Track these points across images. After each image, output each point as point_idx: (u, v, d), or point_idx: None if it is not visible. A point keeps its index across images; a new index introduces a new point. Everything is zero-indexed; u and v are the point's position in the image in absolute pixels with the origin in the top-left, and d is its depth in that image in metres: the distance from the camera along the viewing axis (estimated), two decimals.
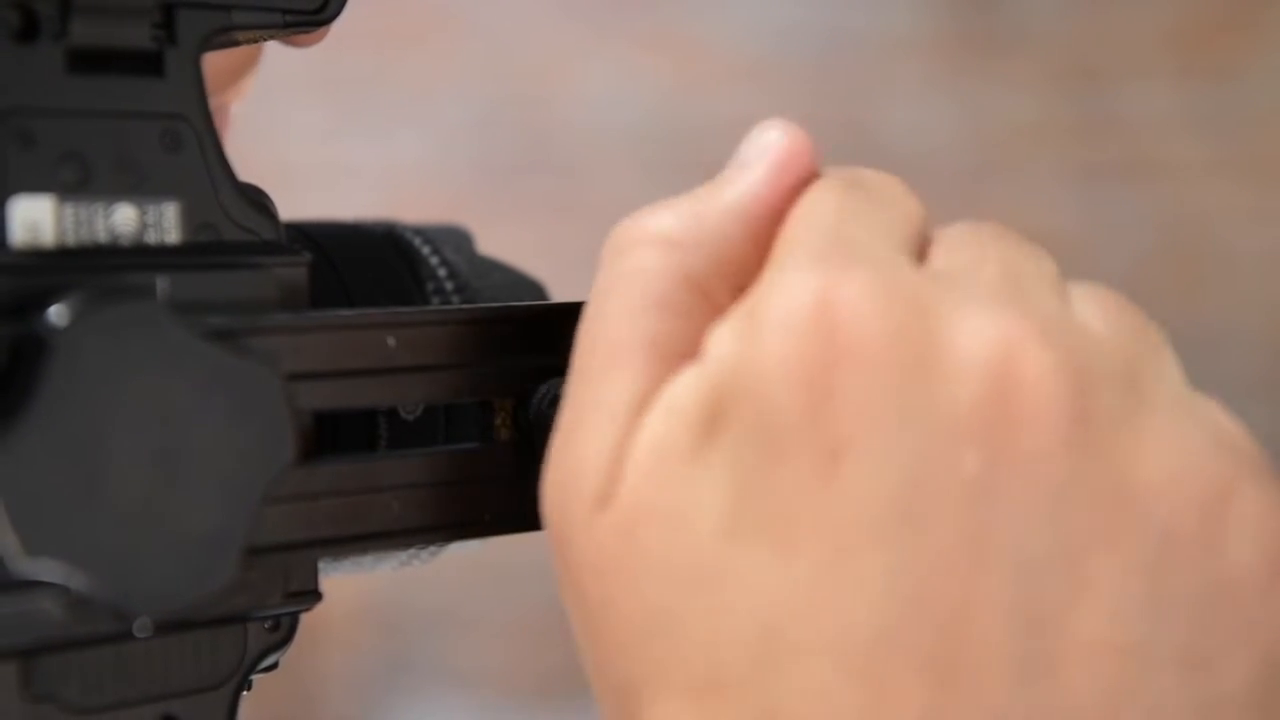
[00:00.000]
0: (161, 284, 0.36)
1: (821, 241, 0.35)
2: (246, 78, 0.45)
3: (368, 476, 0.39)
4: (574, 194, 1.84)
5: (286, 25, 0.39)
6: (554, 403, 0.41)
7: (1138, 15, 1.80)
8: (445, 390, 0.40)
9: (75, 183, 0.36)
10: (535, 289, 0.49)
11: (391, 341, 0.39)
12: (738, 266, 0.36)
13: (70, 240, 0.36)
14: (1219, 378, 1.97)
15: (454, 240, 0.49)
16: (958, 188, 1.81)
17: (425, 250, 0.47)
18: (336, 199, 1.86)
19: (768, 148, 0.38)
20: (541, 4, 1.88)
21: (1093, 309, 0.36)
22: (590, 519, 0.35)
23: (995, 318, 0.33)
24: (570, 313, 0.42)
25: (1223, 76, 1.80)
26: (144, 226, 0.37)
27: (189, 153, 0.38)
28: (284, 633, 0.39)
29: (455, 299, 0.46)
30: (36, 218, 0.36)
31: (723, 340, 0.34)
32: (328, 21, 0.40)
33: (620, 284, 0.37)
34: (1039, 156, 1.81)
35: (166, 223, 0.38)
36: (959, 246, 0.36)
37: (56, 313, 0.34)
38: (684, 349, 0.35)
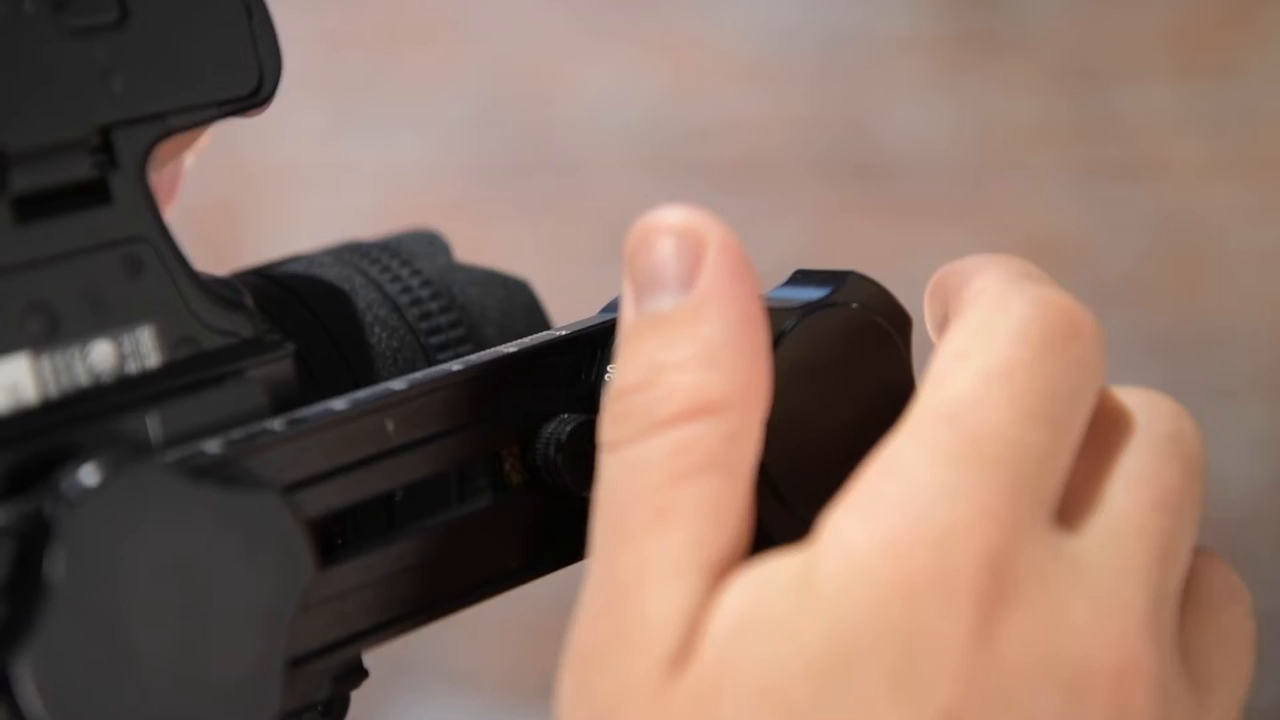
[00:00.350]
0: (153, 427, 0.36)
1: (985, 460, 0.34)
2: (203, 136, 0.45)
3: (391, 560, 0.39)
4: (574, 194, 1.84)
5: (225, 115, 0.39)
6: (560, 448, 0.41)
7: (1138, 15, 1.80)
8: (452, 456, 0.40)
9: (45, 333, 0.36)
10: (521, 290, 0.48)
11: (390, 425, 0.39)
12: (759, 394, 0.35)
13: (53, 392, 0.36)
14: (1219, 378, 1.96)
15: (429, 250, 0.48)
16: (958, 188, 1.81)
17: (404, 272, 0.46)
18: (336, 199, 1.86)
19: (710, 250, 0.36)
20: (541, 4, 1.88)
21: (1207, 632, 0.36)
22: (659, 682, 0.33)
23: (1124, 643, 0.34)
24: (561, 346, 0.41)
25: (1223, 76, 1.80)
26: (123, 358, 0.37)
27: (152, 272, 0.37)
28: (336, 714, 0.39)
29: (441, 318, 0.45)
30: (15, 379, 0.35)
31: (854, 544, 0.33)
32: (265, 102, 0.39)
33: (660, 451, 0.35)
34: (1039, 156, 1.81)
35: (144, 348, 0.37)
36: (1121, 499, 0.35)
37: (58, 499, 0.33)
38: (740, 511, 0.35)
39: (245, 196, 1.85)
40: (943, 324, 0.39)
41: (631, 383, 0.35)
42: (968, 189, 1.82)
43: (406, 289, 0.46)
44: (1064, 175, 1.81)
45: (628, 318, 0.37)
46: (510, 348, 0.41)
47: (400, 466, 0.39)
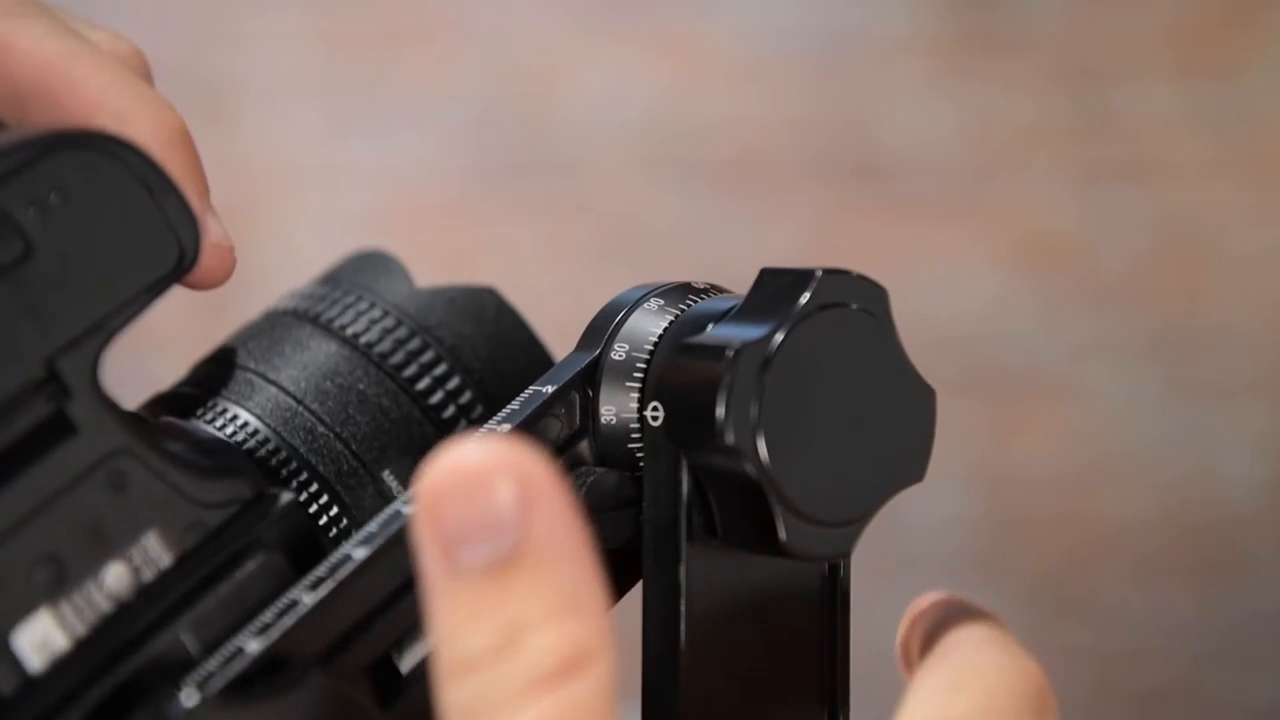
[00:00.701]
0: (188, 641, 0.36)
1: None
2: None
3: None
4: (574, 193, 1.83)
5: (158, 295, 0.38)
6: (590, 490, 0.41)
7: (1137, 15, 1.80)
8: None
9: (55, 579, 0.36)
10: (490, 297, 0.48)
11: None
12: (612, 629, 0.33)
13: (81, 631, 0.36)
14: (1219, 378, 1.95)
15: (387, 280, 0.47)
16: (958, 188, 1.81)
17: (376, 314, 0.46)
18: (336, 199, 1.86)
19: (537, 486, 0.32)
20: (541, 4, 1.88)
21: None
22: None
23: None
24: (550, 403, 0.42)
25: (1223, 76, 1.80)
26: (136, 570, 0.37)
27: (138, 479, 0.37)
28: None
29: (424, 358, 0.45)
30: (43, 635, 0.35)
31: None
32: (193, 264, 0.38)
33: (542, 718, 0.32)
34: (1039, 156, 1.81)
35: (154, 553, 0.37)
36: None
37: None
38: None
39: (245, 196, 1.85)
40: (914, 650, 0.40)
41: (484, 647, 0.32)
42: (968, 189, 1.82)
43: (381, 336, 0.46)
44: (1064, 175, 1.81)
45: (442, 577, 0.32)
46: (502, 425, 0.41)
47: None
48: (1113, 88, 1.81)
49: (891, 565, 1.70)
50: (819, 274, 0.41)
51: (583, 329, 0.44)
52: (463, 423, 0.45)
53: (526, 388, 0.43)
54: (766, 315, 0.40)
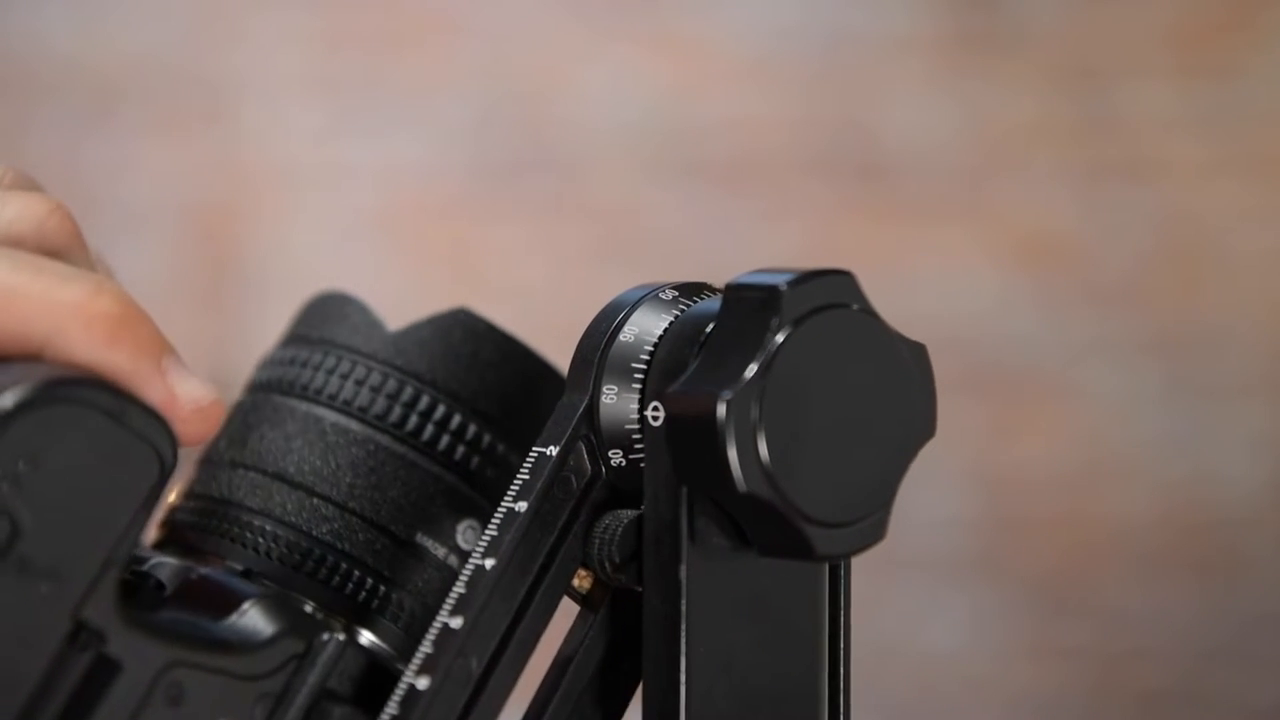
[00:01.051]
0: None
1: None
2: None
3: None
4: (573, 193, 1.83)
5: (153, 505, 0.37)
6: (615, 566, 0.42)
7: (1137, 14, 1.80)
8: (534, 631, 0.41)
9: None
10: (465, 318, 0.47)
11: (474, 662, 0.39)
12: None
13: None
14: (1219, 378, 1.95)
15: (355, 328, 0.47)
16: (958, 188, 1.81)
17: (360, 370, 0.45)
18: (336, 199, 1.86)
19: None
20: (541, 4, 1.88)
21: None
22: None
23: None
24: (557, 467, 0.42)
25: (1223, 76, 1.80)
26: None
27: (193, 683, 0.37)
28: None
29: (420, 406, 0.45)
30: None
31: None
32: (175, 467, 0.38)
33: None
34: (1039, 156, 1.81)
35: None
36: None
37: None
38: None
39: (245, 196, 1.85)
40: None
41: None
42: (968, 189, 1.81)
43: (371, 397, 0.45)
44: (1064, 175, 1.81)
45: None
46: (518, 502, 0.41)
47: (500, 683, 0.40)
48: (1113, 88, 1.81)
49: (891, 565, 1.70)
50: (784, 289, 0.40)
51: (583, 330, 0.44)
52: (475, 459, 0.45)
53: (522, 397, 0.43)
54: (746, 349, 0.40)
